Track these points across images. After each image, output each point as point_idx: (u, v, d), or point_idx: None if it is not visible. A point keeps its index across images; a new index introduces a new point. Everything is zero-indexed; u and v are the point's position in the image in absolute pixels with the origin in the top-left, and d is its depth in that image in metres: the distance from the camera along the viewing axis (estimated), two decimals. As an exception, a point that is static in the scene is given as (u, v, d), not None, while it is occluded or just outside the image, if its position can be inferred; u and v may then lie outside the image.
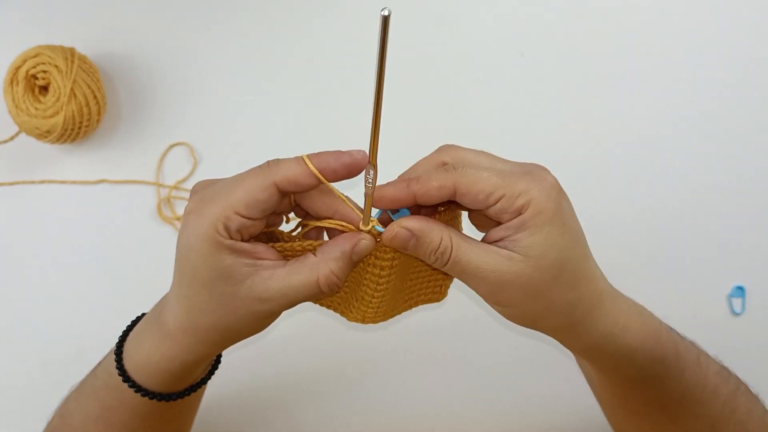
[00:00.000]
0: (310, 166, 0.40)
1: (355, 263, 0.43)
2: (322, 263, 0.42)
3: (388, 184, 0.42)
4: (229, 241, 0.40)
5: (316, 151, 0.41)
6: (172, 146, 0.77)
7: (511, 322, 0.45)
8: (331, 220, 0.44)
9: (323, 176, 0.41)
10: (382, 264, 0.44)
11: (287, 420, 0.72)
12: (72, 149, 0.77)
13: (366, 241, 0.42)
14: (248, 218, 0.40)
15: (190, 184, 0.76)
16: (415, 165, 0.45)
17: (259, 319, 0.43)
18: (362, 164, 0.41)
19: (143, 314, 0.49)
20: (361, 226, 0.43)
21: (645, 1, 0.77)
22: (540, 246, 0.40)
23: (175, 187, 0.76)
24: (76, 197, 0.76)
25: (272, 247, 0.43)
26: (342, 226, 0.43)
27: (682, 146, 0.75)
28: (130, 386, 0.45)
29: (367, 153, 0.41)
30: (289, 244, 0.44)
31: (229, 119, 0.77)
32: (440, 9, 0.78)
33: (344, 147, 0.76)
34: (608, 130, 0.75)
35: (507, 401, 0.72)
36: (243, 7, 0.78)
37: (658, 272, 0.73)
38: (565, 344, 0.47)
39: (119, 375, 0.46)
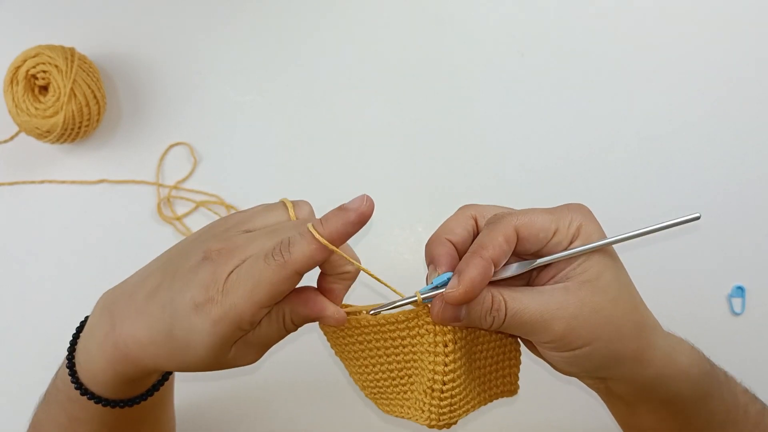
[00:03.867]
0: (332, 247, 0.40)
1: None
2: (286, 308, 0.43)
3: (461, 271, 0.40)
4: (242, 332, 0.41)
5: (319, 217, 0.41)
6: (172, 146, 0.77)
7: (578, 379, 0.44)
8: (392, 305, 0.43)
9: (337, 243, 0.41)
10: (445, 340, 0.42)
11: (284, 423, 0.72)
12: (72, 149, 0.77)
13: (330, 316, 0.43)
14: (270, 306, 0.41)
15: (190, 184, 0.76)
16: (445, 224, 0.44)
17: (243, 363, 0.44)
18: (369, 213, 0.41)
19: (86, 318, 0.48)
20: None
21: (645, 1, 0.77)
22: (595, 267, 0.40)
23: (175, 187, 0.76)
24: (76, 197, 0.76)
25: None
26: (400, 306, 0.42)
27: (682, 146, 0.75)
28: (89, 398, 0.45)
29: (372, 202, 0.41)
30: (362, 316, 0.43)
31: (229, 119, 0.77)
32: (440, 9, 0.78)
33: (345, 145, 0.77)
34: (608, 129, 0.75)
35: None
36: (243, 8, 0.78)
37: (659, 272, 0.73)
38: (631, 384, 0.44)
39: (76, 388, 0.45)
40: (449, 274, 0.40)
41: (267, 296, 0.40)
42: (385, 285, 0.43)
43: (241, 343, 0.42)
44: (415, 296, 0.41)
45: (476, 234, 0.43)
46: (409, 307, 0.43)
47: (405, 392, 0.45)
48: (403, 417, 0.45)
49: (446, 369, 0.42)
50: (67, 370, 0.46)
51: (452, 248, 0.42)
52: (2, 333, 0.74)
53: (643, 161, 0.75)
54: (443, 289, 0.40)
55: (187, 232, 0.74)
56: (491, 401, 0.47)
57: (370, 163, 0.76)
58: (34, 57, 0.70)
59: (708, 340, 0.72)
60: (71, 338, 0.47)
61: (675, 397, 0.45)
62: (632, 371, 0.43)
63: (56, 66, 0.70)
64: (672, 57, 0.76)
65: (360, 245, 0.72)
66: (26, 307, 0.74)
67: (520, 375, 0.48)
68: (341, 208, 0.41)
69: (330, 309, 0.43)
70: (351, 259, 0.42)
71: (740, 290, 0.72)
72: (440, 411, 0.42)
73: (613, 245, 0.42)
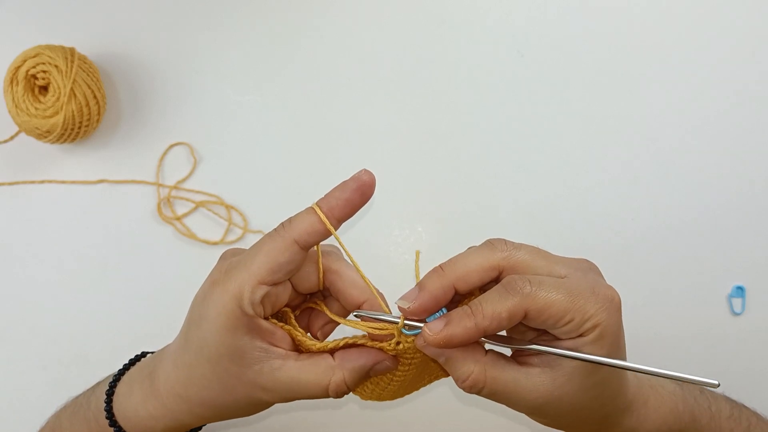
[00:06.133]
0: (322, 216, 0.40)
1: (371, 377, 0.43)
2: (338, 369, 0.41)
3: (450, 322, 0.39)
4: (246, 318, 0.39)
5: (324, 195, 0.41)
6: (172, 146, 0.77)
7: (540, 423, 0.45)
8: (366, 335, 0.42)
9: (340, 215, 0.40)
10: (403, 360, 0.43)
11: None
12: (72, 149, 0.77)
13: (389, 363, 0.42)
14: (273, 284, 0.40)
15: (190, 184, 0.76)
16: (462, 259, 0.41)
17: (255, 405, 0.43)
18: (369, 183, 0.41)
19: (144, 354, 0.49)
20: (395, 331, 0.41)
21: (646, 2, 0.77)
22: (587, 367, 0.39)
23: (175, 187, 0.76)
24: (76, 197, 0.76)
25: (292, 335, 0.42)
26: (372, 342, 0.42)
27: (682, 146, 0.75)
28: (115, 431, 0.46)
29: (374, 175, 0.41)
30: (311, 342, 0.42)
31: (229, 119, 0.77)
32: (440, 9, 0.78)
33: (345, 145, 0.77)
34: (608, 130, 0.75)
35: None
36: (242, 7, 0.78)
37: (659, 272, 0.73)
38: None
39: (107, 418, 0.46)
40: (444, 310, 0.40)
41: (265, 267, 0.39)
42: (375, 292, 0.43)
43: (268, 367, 0.41)
44: (398, 320, 0.41)
45: (492, 280, 0.41)
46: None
47: None
48: None
49: (394, 378, 0.43)
50: (104, 396, 0.46)
51: (450, 291, 0.40)
52: (2, 333, 0.74)
53: (643, 161, 0.75)
54: (425, 324, 0.40)
55: (186, 232, 0.74)
56: (439, 379, 0.48)
57: (369, 163, 0.75)
58: (34, 57, 0.70)
59: (708, 340, 0.73)
60: (117, 372, 0.48)
61: None
62: None
63: (56, 66, 0.70)
64: (672, 57, 0.76)
65: (360, 245, 0.72)
66: (26, 307, 0.75)
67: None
68: (342, 182, 0.41)
69: (385, 356, 0.42)
70: (347, 252, 0.42)
71: (740, 290, 0.72)
72: (380, 396, 0.45)
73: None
